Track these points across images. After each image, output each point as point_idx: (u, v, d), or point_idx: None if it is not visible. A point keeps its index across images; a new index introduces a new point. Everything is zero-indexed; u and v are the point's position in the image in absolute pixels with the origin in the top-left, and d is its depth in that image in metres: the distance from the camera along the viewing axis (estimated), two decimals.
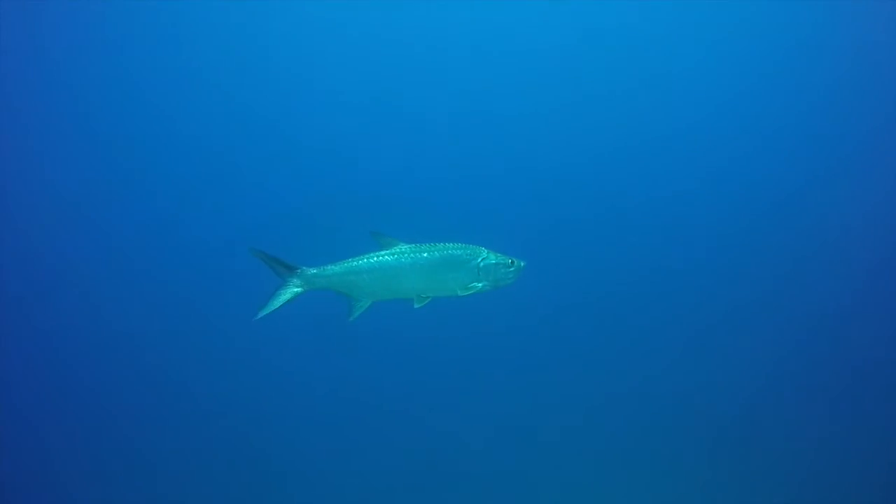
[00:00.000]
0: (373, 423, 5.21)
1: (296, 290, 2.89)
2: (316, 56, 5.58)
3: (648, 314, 5.39)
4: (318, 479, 5.14)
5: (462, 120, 5.59)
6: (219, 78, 5.53)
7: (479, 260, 2.80)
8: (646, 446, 5.17)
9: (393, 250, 2.83)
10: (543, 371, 5.29)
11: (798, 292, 5.34)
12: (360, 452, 5.15)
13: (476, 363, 5.29)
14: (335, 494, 5.11)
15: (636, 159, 5.52)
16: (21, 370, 5.23)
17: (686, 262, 5.47)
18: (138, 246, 5.40)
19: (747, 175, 5.53)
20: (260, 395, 5.25)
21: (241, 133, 5.56)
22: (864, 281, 5.32)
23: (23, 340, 5.24)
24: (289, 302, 2.89)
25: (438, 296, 2.85)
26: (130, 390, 5.26)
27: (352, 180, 5.49)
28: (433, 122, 5.57)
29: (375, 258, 2.83)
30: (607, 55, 5.52)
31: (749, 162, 5.54)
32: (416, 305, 2.84)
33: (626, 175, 5.55)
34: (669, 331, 5.36)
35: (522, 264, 2.88)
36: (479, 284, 2.80)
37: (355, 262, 2.85)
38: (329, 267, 2.88)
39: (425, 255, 2.80)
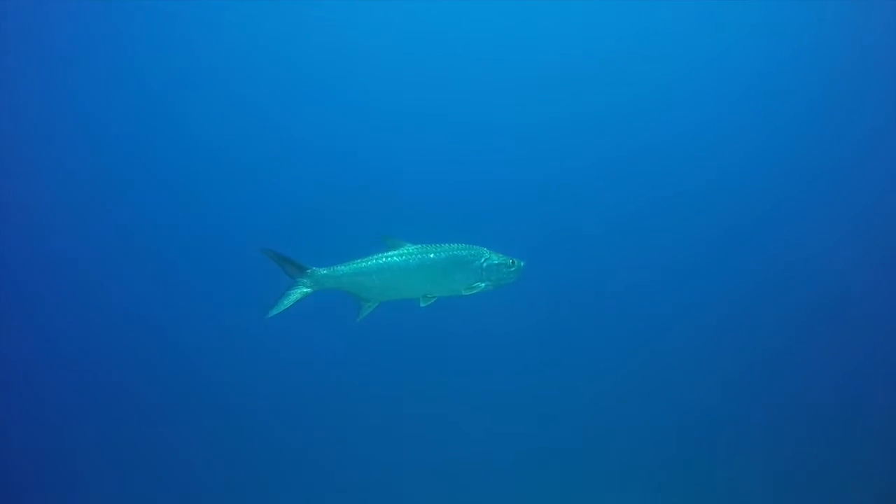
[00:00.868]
0: (378, 420, 5.30)
1: (305, 290, 2.93)
2: (328, 55, 5.63)
3: (648, 312, 5.44)
4: (325, 474, 5.22)
5: (467, 121, 5.63)
6: (228, 76, 5.58)
7: (483, 260, 2.86)
8: (646, 445, 5.23)
9: (400, 251, 2.88)
10: (543, 367, 5.35)
11: (795, 291, 5.37)
12: (367, 448, 5.23)
13: (478, 360, 5.35)
14: (342, 489, 5.18)
15: (637, 160, 5.56)
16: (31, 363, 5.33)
17: (686, 260, 5.51)
18: (148, 244, 5.48)
19: (746, 174, 5.57)
20: (266, 392, 5.33)
21: (251, 133, 5.62)
22: (861, 280, 5.35)
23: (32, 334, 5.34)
24: (298, 302, 2.93)
25: (443, 295, 2.91)
26: (140, 388, 5.34)
27: (360, 181, 5.56)
28: (440, 124, 5.62)
29: (384, 259, 2.88)
30: (611, 56, 5.55)
31: (748, 161, 5.58)
32: (422, 304, 2.89)
33: (626, 175, 5.59)
34: (669, 329, 5.40)
35: (522, 264, 2.94)
36: (483, 284, 2.86)
37: (365, 263, 2.90)
38: (339, 267, 2.92)
39: (432, 255, 2.86)
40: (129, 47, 5.47)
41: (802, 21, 5.43)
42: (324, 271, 2.93)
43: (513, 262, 2.90)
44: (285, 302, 2.92)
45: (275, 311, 2.92)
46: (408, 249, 2.89)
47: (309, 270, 2.93)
